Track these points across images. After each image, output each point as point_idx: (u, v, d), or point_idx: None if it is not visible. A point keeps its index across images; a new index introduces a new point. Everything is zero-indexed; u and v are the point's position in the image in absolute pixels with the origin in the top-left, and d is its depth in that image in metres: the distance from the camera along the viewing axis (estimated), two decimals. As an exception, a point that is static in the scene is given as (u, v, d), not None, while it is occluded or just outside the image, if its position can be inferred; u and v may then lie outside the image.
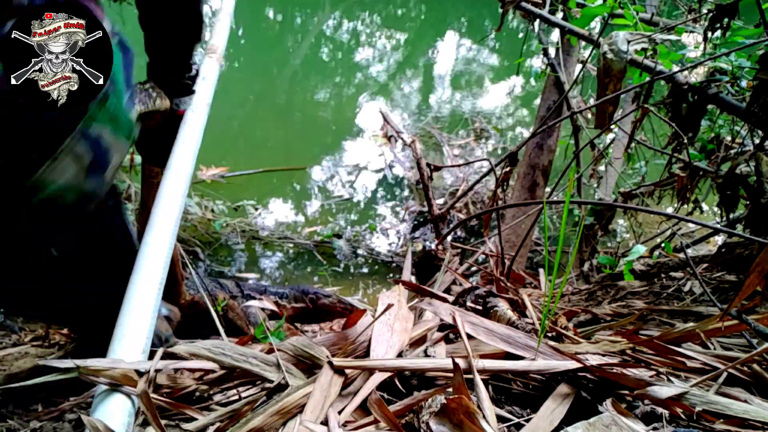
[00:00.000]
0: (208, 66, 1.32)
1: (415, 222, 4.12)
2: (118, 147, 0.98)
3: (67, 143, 0.88)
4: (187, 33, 1.13)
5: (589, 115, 3.12)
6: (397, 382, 0.84)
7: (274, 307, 2.01)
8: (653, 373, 0.85)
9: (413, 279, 1.99)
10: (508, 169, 2.08)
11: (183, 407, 0.81)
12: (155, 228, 1.01)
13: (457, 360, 0.73)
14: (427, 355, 0.93)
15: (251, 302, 2.04)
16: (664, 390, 0.73)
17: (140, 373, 0.79)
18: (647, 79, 1.81)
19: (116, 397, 0.76)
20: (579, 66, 3.14)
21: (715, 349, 1.00)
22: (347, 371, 0.81)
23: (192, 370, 0.92)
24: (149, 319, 0.89)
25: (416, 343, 1.01)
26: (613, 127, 2.82)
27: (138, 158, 1.71)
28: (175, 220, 1.05)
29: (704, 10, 2.16)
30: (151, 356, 0.85)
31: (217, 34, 1.41)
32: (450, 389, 0.76)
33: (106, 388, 0.77)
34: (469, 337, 0.89)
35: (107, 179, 0.97)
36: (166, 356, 0.87)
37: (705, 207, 2.43)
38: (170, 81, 1.20)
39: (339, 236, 3.89)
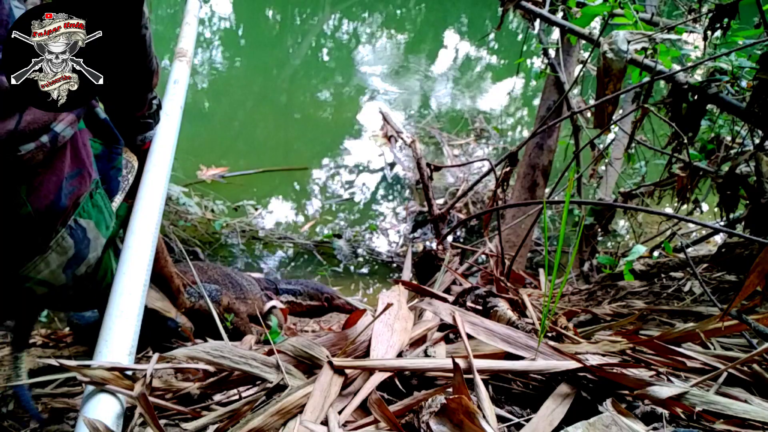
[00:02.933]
0: (179, 69, 1.33)
1: (415, 222, 4.12)
2: (97, 243, 1.00)
3: (57, 237, 0.90)
4: (139, 85, 1.10)
5: (589, 115, 3.12)
6: (397, 382, 0.84)
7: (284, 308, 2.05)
8: (653, 373, 0.84)
9: (413, 279, 1.99)
10: (508, 169, 2.08)
11: (181, 408, 0.81)
12: (136, 232, 1.01)
13: (457, 360, 0.73)
14: (427, 355, 0.93)
15: (271, 302, 2.08)
16: (664, 390, 0.73)
17: (129, 377, 0.79)
18: (647, 78, 1.81)
19: (105, 398, 0.76)
20: (579, 66, 3.14)
21: (715, 349, 1.00)
22: (347, 371, 0.81)
23: (191, 371, 0.92)
24: (134, 321, 0.89)
25: (416, 343, 1.01)
26: (613, 127, 2.83)
27: None
28: (156, 223, 1.05)
29: (704, 10, 2.16)
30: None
31: (185, 37, 1.41)
32: (450, 389, 0.76)
33: (93, 389, 0.77)
34: (469, 337, 0.89)
35: (79, 274, 0.98)
36: (166, 359, 0.87)
37: (705, 207, 2.43)
38: (132, 123, 1.17)
39: (339, 236, 3.89)
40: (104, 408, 0.75)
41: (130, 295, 0.91)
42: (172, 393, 0.86)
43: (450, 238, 2.95)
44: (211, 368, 0.86)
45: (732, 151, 2.05)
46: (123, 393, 0.77)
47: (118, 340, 0.85)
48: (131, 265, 0.96)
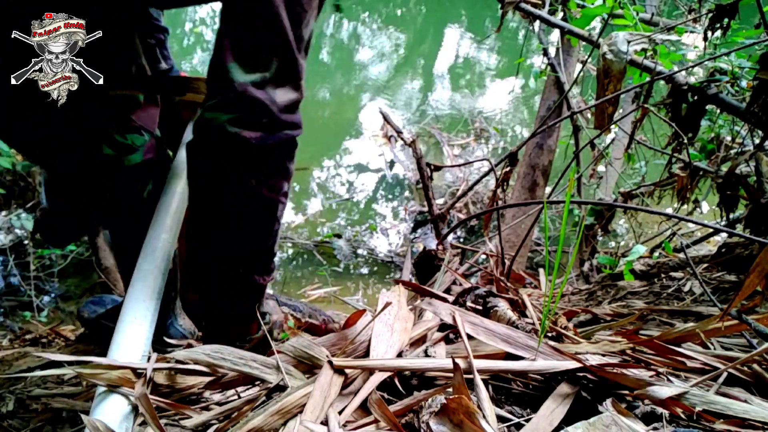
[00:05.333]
0: None
1: (415, 222, 4.12)
2: None
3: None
4: None
5: (589, 115, 3.12)
6: (397, 382, 0.84)
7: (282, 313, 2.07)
8: (653, 373, 0.84)
9: (413, 279, 1.99)
10: (508, 169, 2.07)
11: (182, 407, 0.81)
12: (155, 231, 1.02)
13: (457, 360, 0.73)
14: (427, 355, 0.93)
15: (269, 301, 2.12)
16: (664, 390, 0.73)
17: (138, 374, 0.79)
18: (647, 79, 1.81)
19: (114, 398, 0.76)
20: (579, 66, 3.14)
21: (715, 349, 1.00)
22: (347, 371, 0.81)
23: (190, 373, 0.92)
24: (147, 327, 0.90)
25: (416, 343, 1.01)
26: (613, 127, 2.83)
27: None
28: (177, 222, 1.05)
29: (704, 10, 2.16)
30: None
31: None
32: (450, 389, 0.76)
33: (105, 389, 0.77)
34: (469, 337, 0.89)
35: None
36: (166, 359, 0.87)
37: (705, 207, 2.44)
38: None
39: (339, 236, 3.89)
40: (110, 407, 0.75)
41: (144, 302, 0.92)
42: (174, 391, 0.86)
43: (450, 238, 2.95)
44: (208, 371, 0.86)
45: (732, 151, 2.05)
46: (124, 392, 0.77)
47: (130, 344, 0.86)
48: (147, 269, 0.96)
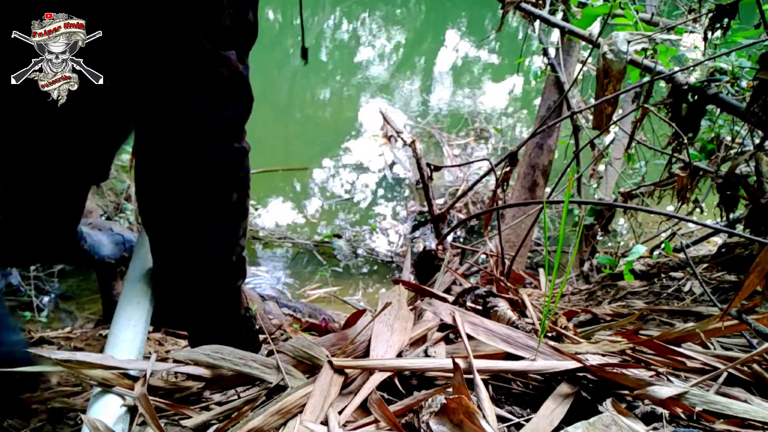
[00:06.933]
0: None
1: (415, 222, 4.12)
2: None
3: None
4: None
5: (590, 115, 3.12)
6: (397, 382, 0.84)
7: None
8: (653, 373, 0.84)
9: (413, 279, 1.99)
10: (508, 169, 2.07)
11: (182, 407, 0.81)
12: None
13: (457, 360, 0.73)
14: (427, 355, 0.93)
15: (269, 302, 2.13)
16: (664, 390, 0.73)
17: (131, 377, 0.79)
18: (647, 78, 1.81)
19: (111, 398, 0.77)
20: (579, 66, 3.14)
21: (715, 349, 1.00)
22: (347, 371, 0.81)
23: (191, 376, 0.92)
24: (142, 329, 0.90)
25: (416, 343, 1.01)
26: (613, 127, 2.83)
27: None
28: None
29: (704, 10, 2.16)
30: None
31: None
32: (450, 389, 0.76)
33: (101, 389, 0.77)
34: (469, 337, 0.89)
35: None
36: (165, 359, 0.87)
37: (705, 207, 2.44)
38: None
39: (339, 236, 3.89)
40: (107, 407, 0.75)
41: (138, 303, 0.92)
42: (173, 391, 0.86)
43: (450, 238, 2.95)
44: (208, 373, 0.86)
45: (732, 151, 2.05)
46: (120, 392, 0.77)
47: (125, 346, 0.86)
48: (140, 271, 0.97)
